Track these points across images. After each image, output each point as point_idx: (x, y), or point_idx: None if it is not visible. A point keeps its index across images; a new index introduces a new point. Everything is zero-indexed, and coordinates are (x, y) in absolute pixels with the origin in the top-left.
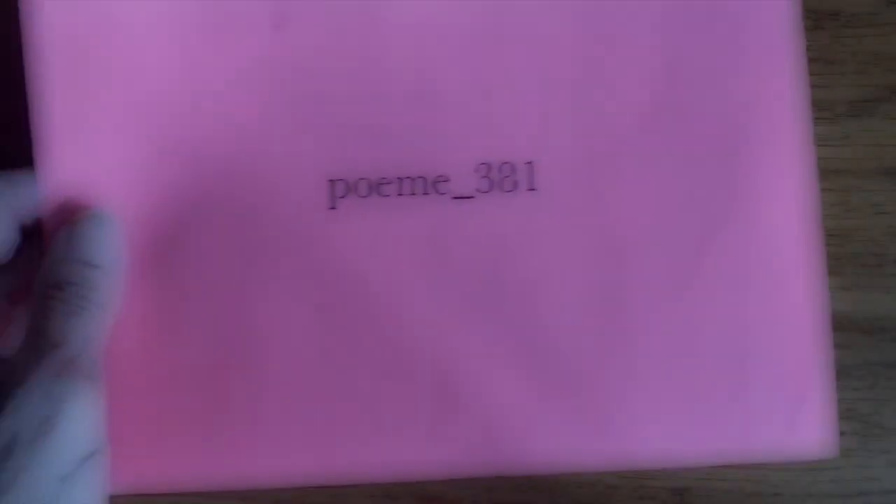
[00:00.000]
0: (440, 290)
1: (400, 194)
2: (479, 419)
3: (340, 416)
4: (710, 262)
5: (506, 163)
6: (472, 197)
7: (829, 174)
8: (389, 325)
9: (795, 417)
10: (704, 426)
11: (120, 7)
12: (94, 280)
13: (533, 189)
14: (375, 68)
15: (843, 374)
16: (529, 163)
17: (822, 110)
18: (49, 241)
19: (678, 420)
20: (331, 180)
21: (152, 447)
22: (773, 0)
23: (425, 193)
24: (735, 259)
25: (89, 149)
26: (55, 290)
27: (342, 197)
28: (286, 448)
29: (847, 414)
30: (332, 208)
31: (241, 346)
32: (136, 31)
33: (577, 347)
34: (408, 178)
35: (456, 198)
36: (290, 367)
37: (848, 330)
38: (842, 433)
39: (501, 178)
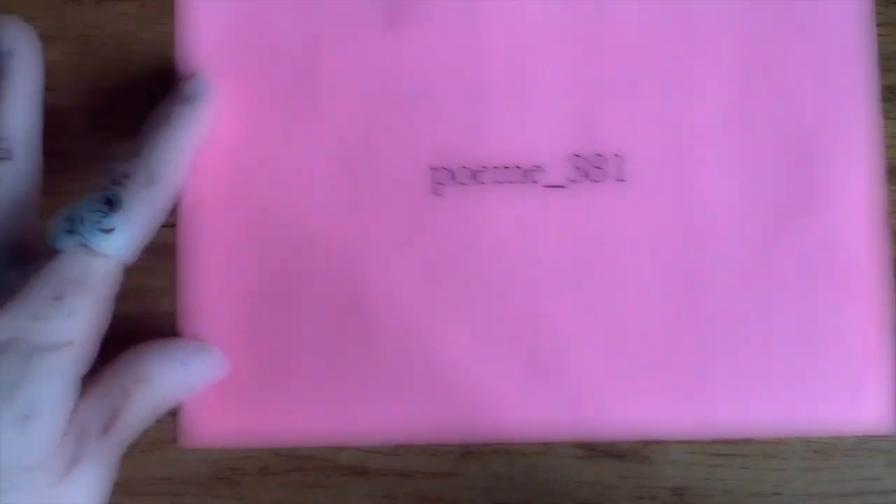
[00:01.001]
0: (530, 270)
1: (497, 181)
2: (572, 392)
3: (444, 382)
4: (782, 253)
5: (597, 154)
6: (563, 186)
7: None
8: (485, 299)
9: (856, 398)
10: (773, 402)
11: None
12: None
13: (621, 180)
14: (478, 64)
15: None
16: (618, 155)
17: None
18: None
19: (748, 396)
20: (433, 168)
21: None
22: (849, 7)
23: (521, 182)
24: (805, 250)
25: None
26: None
27: (443, 184)
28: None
29: None
30: (435, 194)
31: (355, 319)
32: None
33: (658, 329)
34: (504, 166)
35: (548, 186)
36: (397, 338)
37: None
38: None
39: (592, 168)
